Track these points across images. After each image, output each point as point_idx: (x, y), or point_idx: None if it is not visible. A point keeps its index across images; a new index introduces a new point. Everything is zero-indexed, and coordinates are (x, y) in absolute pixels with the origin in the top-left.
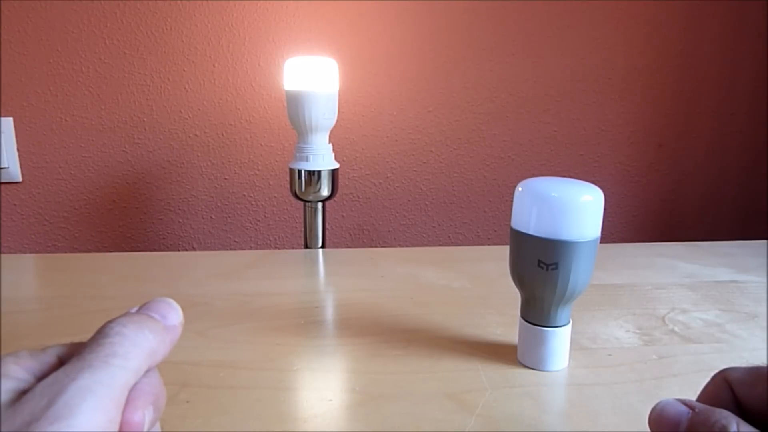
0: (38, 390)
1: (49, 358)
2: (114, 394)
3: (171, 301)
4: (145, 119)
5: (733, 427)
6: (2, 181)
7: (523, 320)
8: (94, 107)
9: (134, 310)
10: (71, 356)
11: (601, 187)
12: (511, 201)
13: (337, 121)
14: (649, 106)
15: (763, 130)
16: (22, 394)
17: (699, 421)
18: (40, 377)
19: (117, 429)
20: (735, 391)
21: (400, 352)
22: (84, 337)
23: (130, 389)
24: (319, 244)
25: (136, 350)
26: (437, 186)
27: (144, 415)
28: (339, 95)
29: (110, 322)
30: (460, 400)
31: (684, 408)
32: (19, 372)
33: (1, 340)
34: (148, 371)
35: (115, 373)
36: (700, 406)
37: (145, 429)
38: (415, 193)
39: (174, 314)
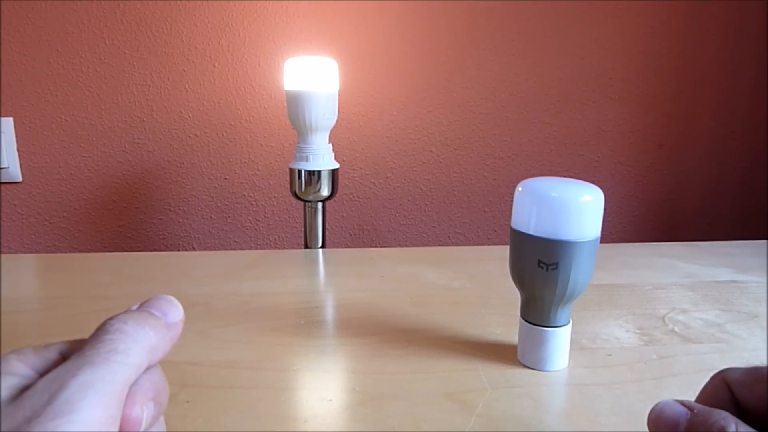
0: (39, 386)
1: (52, 354)
2: (114, 390)
3: (171, 298)
4: (145, 119)
5: (732, 427)
6: (2, 181)
7: (523, 320)
8: (94, 107)
9: (135, 307)
10: (73, 352)
11: (601, 187)
12: (511, 201)
13: (337, 121)
14: (649, 106)
15: (763, 130)
16: (24, 390)
17: (698, 422)
18: (43, 373)
19: (117, 425)
20: (734, 391)
21: (400, 352)
22: (83, 336)
23: (131, 385)
24: (319, 244)
25: (137, 347)
26: (437, 186)
27: (142, 410)
28: (339, 95)
29: (111, 318)
30: (460, 400)
31: (683, 409)
32: (21, 368)
33: (1, 340)
34: (149, 368)
35: (115, 369)
36: (699, 406)
37: (145, 425)
38: (415, 193)
39: (175, 311)
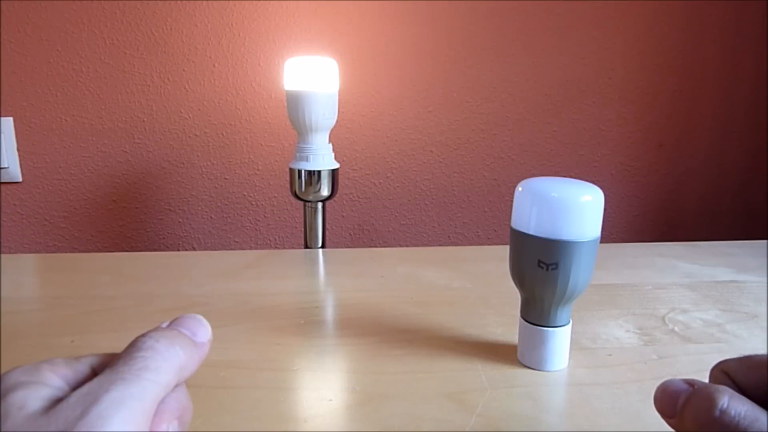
0: (72, 399)
1: (83, 367)
2: (145, 407)
3: (201, 317)
4: (145, 119)
5: (724, 399)
6: (2, 181)
7: (523, 320)
8: (94, 107)
9: (165, 324)
10: (104, 367)
11: (601, 187)
12: (511, 201)
13: (337, 121)
14: (649, 106)
15: (763, 130)
16: (56, 401)
17: (696, 394)
18: (74, 386)
19: None
20: (734, 380)
21: (400, 352)
22: (83, 336)
23: (159, 403)
24: (319, 244)
25: (167, 365)
26: (437, 186)
27: (167, 428)
28: (339, 95)
29: (143, 335)
30: (460, 400)
31: (685, 385)
32: (54, 380)
33: (1, 340)
34: (175, 386)
35: (146, 386)
36: (700, 382)
37: None
38: (415, 193)
39: (203, 331)
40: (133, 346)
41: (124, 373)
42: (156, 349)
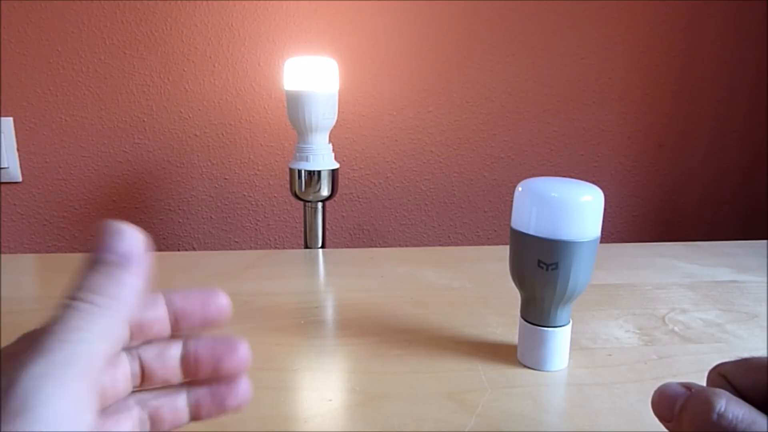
0: None
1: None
2: (80, 372)
3: (118, 224)
4: (145, 119)
5: (721, 403)
6: (2, 181)
7: (523, 320)
8: (94, 107)
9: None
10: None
11: (601, 187)
12: (511, 201)
13: (337, 121)
14: (649, 106)
15: (763, 130)
16: None
17: (694, 398)
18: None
19: (93, 410)
20: (731, 383)
21: (400, 352)
22: None
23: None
24: (319, 244)
25: (95, 317)
26: (437, 186)
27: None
28: (339, 95)
29: (61, 300)
30: (460, 400)
31: (682, 389)
32: None
33: (1, 340)
34: (146, 306)
35: (73, 349)
36: (697, 386)
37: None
38: (415, 193)
39: (122, 242)
40: (52, 316)
41: (42, 344)
42: (74, 307)
